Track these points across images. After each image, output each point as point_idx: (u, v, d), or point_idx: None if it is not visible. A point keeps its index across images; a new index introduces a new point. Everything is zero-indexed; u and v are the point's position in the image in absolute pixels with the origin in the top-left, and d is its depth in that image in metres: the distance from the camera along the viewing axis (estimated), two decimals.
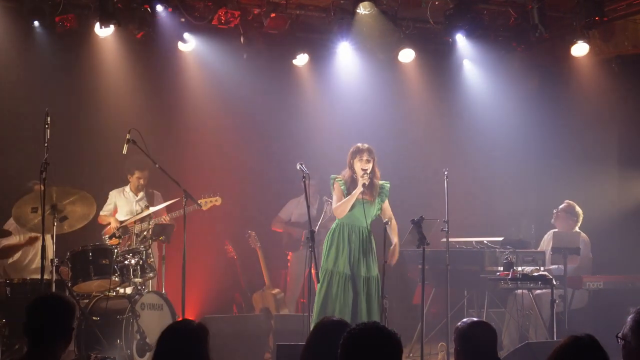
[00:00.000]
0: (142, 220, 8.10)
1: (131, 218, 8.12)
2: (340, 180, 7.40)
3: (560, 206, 8.76)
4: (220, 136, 9.94)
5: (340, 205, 7.27)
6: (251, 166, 10.13)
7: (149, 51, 9.31)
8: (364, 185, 7.22)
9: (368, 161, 7.30)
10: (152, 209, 8.03)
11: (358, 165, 7.33)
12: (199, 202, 7.97)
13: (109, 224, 8.61)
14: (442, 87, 10.38)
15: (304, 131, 10.10)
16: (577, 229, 8.70)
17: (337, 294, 7.17)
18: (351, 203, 7.22)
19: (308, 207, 7.05)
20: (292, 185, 8.98)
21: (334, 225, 7.39)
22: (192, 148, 9.89)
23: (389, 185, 7.48)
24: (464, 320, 4.38)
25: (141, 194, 8.79)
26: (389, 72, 10.04)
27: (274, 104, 10.08)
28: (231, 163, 10.01)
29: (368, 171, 7.29)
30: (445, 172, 7.65)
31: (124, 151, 7.63)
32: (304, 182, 7.05)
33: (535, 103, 10.38)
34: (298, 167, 7.10)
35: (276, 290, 9.49)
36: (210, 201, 8.31)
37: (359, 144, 7.39)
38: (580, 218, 8.69)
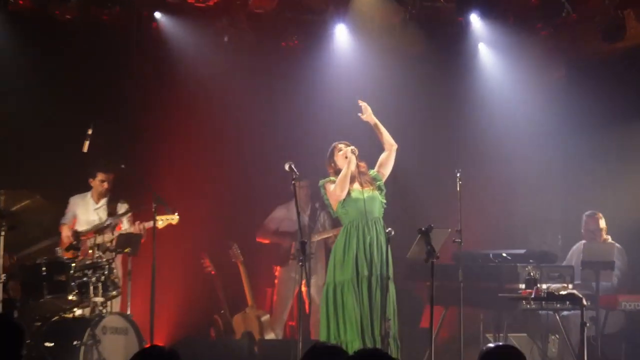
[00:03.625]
0: (104, 229, 8.04)
1: (92, 228, 8.06)
2: (332, 179, 7.42)
3: (583, 222, 8.95)
4: (196, 132, 9.79)
5: (338, 184, 7.27)
6: (232, 167, 10.01)
7: (116, 34, 9.27)
8: (353, 152, 7.29)
9: (346, 146, 7.44)
10: (110, 219, 8.00)
11: (339, 157, 7.41)
12: (154, 219, 7.95)
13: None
14: (453, 76, 10.28)
15: (295, 126, 10.00)
16: (607, 238, 8.77)
17: (352, 305, 7.10)
18: (349, 176, 7.27)
19: (298, 213, 7.02)
20: (281, 189, 8.83)
21: (342, 229, 7.39)
22: (164, 146, 9.68)
23: (375, 171, 7.59)
24: (489, 345, 4.35)
25: (102, 202, 8.66)
26: (392, 58, 9.95)
27: (259, 95, 9.96)
28: (209, 163, 9.86)
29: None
30: (458, 174, 7.60)
31: (84, 148, 7.76)
32: (294, 185, 7.03)
33: (561, 95, 10.28)
34: (287, 168, 7.06)
35: (261, 312, 9.36)
36: (167, 219, 8.20)
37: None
38: (602, 228, 8.81)
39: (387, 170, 7.55)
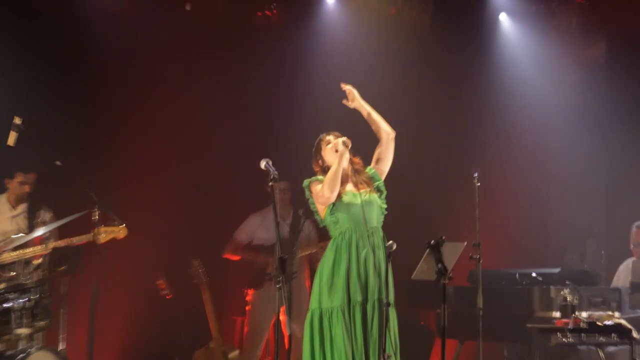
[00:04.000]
0: (25, 243, 7.90)
1: (9, 240, 7.91)
2: (319, 178, 7.09)
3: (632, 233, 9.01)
4: (151, 124, 9.64)
5: (325, 183, 6.97)
6: (195, 168, 9.90)
7: (48, 3, 9.23)
8: (344, 144, 7.00)
9: (336, 137, 7.20)
10: (44, 229, 7.93)
11: (328, 151, 7.15)
12: (94, 231, 7.89)
13: None
14: (469, 53, 10.27)
15: (273, 116, 10.03)
16: None
17: (342, 338, 6.89)
18: (340, 173, 7.02)
19: (277, 222, 6.66)
20: (255, 193, 8.83)
21: (331, 242, 7.12)
22: (110, 142, 9.63)
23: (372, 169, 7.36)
24: None
25: (21, 208, 8.48)
26: (393, 32, 10.01)
27: (229, 78, 9.93)
28: (166, 164, 9.75)
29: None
30: (476, 175, 7.62)
31: (11, 142, 7.65)
32: (272, 187, 6.70)
33: (602, 76, 10.26)
34: (264, 166, 6.74)
35: (228, 346, 9.26)
36: (112, 231, 8.05)
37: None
38: None
39: (387, 166, 7.21)
